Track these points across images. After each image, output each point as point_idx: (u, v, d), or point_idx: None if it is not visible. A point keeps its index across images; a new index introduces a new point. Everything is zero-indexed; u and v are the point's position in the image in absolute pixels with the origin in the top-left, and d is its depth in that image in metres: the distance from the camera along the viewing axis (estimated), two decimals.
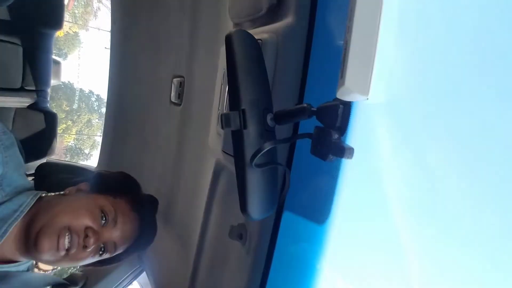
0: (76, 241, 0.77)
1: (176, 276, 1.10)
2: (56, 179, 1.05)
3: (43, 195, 0.87)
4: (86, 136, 16.09)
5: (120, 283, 1.30)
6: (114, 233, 0.84)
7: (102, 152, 1.80)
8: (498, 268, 0.52)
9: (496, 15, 0.45)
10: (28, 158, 0.97)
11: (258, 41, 0.63)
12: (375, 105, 0.50)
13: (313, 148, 0.47)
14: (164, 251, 1.19)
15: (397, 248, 0.57)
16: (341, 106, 0.44)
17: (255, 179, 0.50)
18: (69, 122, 15.08)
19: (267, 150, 0.48)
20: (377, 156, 0.54)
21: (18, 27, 1.85)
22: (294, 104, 0.65)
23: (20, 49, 1.87)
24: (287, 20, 0.64)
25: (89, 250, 0.79)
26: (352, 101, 0.44)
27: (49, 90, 2.04)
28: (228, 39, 0.51)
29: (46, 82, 1.99)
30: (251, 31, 0.55)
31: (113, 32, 1.62)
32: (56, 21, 1.97)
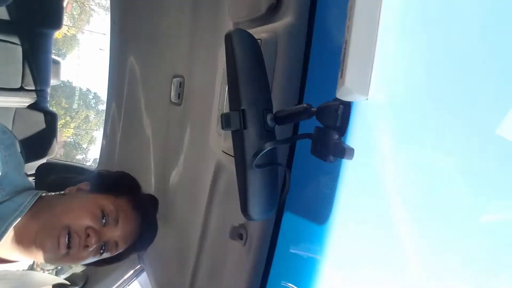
0: (77, 241, 0.77)
1: (176, 276, 1.10)
2: (56, 179, 1.05)
3: (43, 194, 0.87)
4: (84, 132, 17.22)
5: (120, 283, 1.31)
6: (115, 233, 0.84)
7: (102, 152, 1.80)
8: (499, 268, 0.52)
9: (497, 15, 0.45)
10: (28, 158, 0.97)
11: (258, 40, 0.63)
12: (375, 105, 0.50)
13: (313, 149, 0.47)
14: (165, 251, 1.19)
15: (397, 248, 0.57)
16: (341, 106, 0.44)
17: (255, 179, 0.50)
18: (68, 118, 16.05)
19: (268, 150, 0.48)
20: (377, 156, 0.54)
21: (18, 27, 1.85)
22: (294, 104, 0.64)
23: (20, 49, 1.87)
24: (287, 20, 0.64)
25: (90, 249, 0.79)
26: (352, 101, 0.44)
27: (49, 90, 2.04)
28: (228, 39, 0.51)
29: (46, 82, 1.99)
30: (250, 31, 0.55)
31: (113, 32, 1.61)
32: (55, 21, 1.97)
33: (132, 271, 1.31)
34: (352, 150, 0.41)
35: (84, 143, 17.43)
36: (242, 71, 0.50)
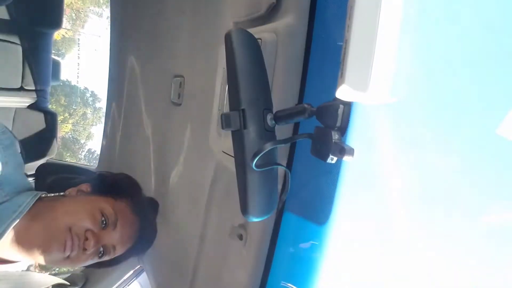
0: (77, 244, 0.77)
1: (176, 276, 1.10)
2: (56, 179, 1.05)
3: (43, 195, 0.86)
4: (82, 128, 18.90)
5: (120, 283, 1.30)
6: (114, 236, 0.84)
7: (102, 152, 1.80)
8: (499, 268, 0.52)
9: (498, 15, 0.45)
10: (28, 158, 0.97)
11: (258, 40, 0.63)
12: (376, 105, 0.50)
13: (313, 149, 0.47)
14: (164, 251, 1.19)
15: (397, 248, 0.57)
16: (341, 106, 0.44)
17: (255, 179, 0.50)
18: (66, 115, 17.62)
19: (268, 150, 0.48)
20: (378, 156, 0.53)
21: (18, 27, 1.85)
22: (294, 104, 0.64)
23: (20, 49, 1.87)
24: (287, 19, 0.64)
25: (88, 252, 0.79)
26: (352, 101, 0.44)
27: (49, 90, 2.04)
28: (228, 38, 0.51)
29: (46, 82, 1.99)
30: (250, 31, 0.55)
31: (113, 31, 1.61)
32: (55, 21, 1.97)
33: (132, 271, 1.31)
34: (352, 150, 0.41)
35: (82, 139, 18.99)
36: (242, 71, 0.50)
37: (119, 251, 0.87)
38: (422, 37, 0.47)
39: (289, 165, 0.67)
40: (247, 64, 0.51)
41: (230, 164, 0.79)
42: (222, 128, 0.50)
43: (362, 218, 0.58)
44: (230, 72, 0.51)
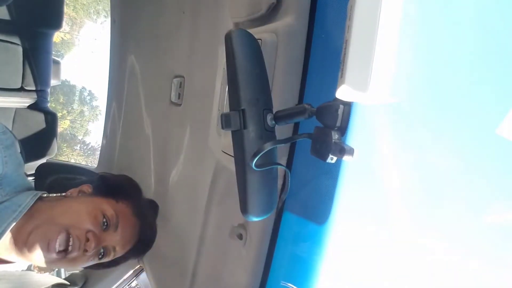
0: (77, 245, 0.77)
1: (176, 275, 1.10)
2: (56, 179, 1.05)
3: (44, 195, 0.86)
4: (80, 125, 20.38)
5: (120, 283, 1.30)
6: (115, 238, 0.84)
7: (102, 152, 1.80)
8: (499, 268, 0.52)
9: (498, 15, 0.45)
10: (28, 158, 0.97)
11: (258, 40, 0.63)
12: (376, 105, 0.50)
13: (313, 149, 0.47)
14: (164, 251, 1.19)
15: (397, 247, 0.57)
16: (341, 106, 0.44)
17: (255, 179, 0.50)
18: (65, 112, 19.09)
19: (267, 150, 0.48)
20: (377, 156, 0.54)
21: (18, 27, 1.85)
22: (294, 104, 0.64)
23: (20, 49, 1.87)
24: (287, 20, 0.64)
25: (89, 254, 0.79)
26: (352, 101, 0.44)
27: (49, 90, 2.04)
28: (228, 38, 0.51)
29: (46, 82, 1.99)
30: (251, 31, 0.55)
31: (113, 31, 1.61)
32: (55, 21, 1.97)
33: (131, 271, 1.31)
34: (352, 150, 0.41)
35: (80, 135, 20.42)
36: (242, 71, 0.50)
37: (119, 253, 0.87)
38: (422, 38, 0.47)
39: (289, 165, 0.67)
40: (247, 64, 0.51)
41: (230, 163, 0.79)
42: (222, 128, 0.50)
43: (361, 217, 0.58)
44: (230, 72, 0.51)
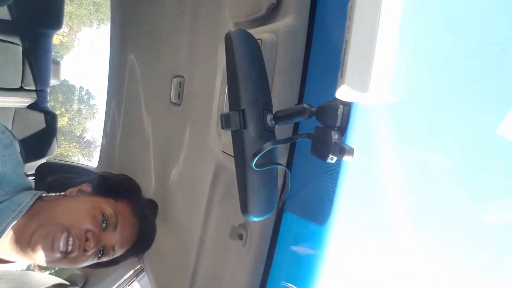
0: (77, 245, 0.77)
1: (176, 276, 1.10)
2: (56, 179, 1.05)
3: (44, 195, 0.86)
4: (77, 122, 22.08)
5: (120, 283, 1.30)
6: (114, 237, 0.84)
7: (102, 151, 1.80)
8: (499, 268, 0.52)
9: (498, 15, 0.45)
10: (28, 158, 0.97)
11: (258, 40, 0.63)
12: (375, 105, 0.50)
13: (313, 149, 0.47)
14: (165, 251, 1.19)
15: (397, 248, 0.57)
16: (341, 106, 0.44)
17: (255, 179, 0.50)
18: (63, 109, 20.64)
19: (267, 150, 0.48)
20: (377, 156, 0.54)
21: (18, 27, 1.85)
22: (294, 104, 0.64)
23: (20, 49, 1.87)
24: (287, 20, 0.64)
25: (88, 253, 0.79)
26: (352, 101, 0.44)
27: (48, 90, 2.04)
28: (228, 39, 0.51)
29: (45, 82, 1.99)
30: (250, 31, 0.55)
31: (113, 31, 1.61)
32: (55, 21, 1.97)
33: (132, 271, 1.31)
34: (352, 150, 0.41)
35: (78, 132, 22.10)
36: (242, 71, 0.50)
37: (118, 252, 0.87)
38: (422, 37, 0.47)
39: (289, 165, 0.67)
40: (247, 65, 0.51)
41: (230, 163, 0.79)
42: (222, 128, 0.50)
43: (362, 217, 0.58)
44: (230, 72, 0.51)
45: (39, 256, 0.76)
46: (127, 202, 0.90)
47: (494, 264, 0.52)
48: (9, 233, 0.77)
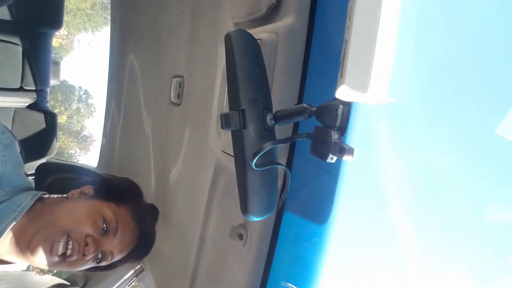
0: (77, 249, 0.77)
1: (176, 276, 1.10)
2: (56, 179, 1.05)
3: (45, 196, 0.86)
4: (76, 121, 23.51)
5: (120, 283, 1.30)
6: (113, 243, 0.84)
7: (101, 152, 1.80)
8: (499, 268, 0.52)
9: (498, 15, 0.45)
10: (28, 158, 0.97)
11: (258, 40, 0.63)
12: (375, 105, 0.50)
13: (313, 148, 0.47)
14: (165, 251, 1.19)
15: (397, 248, 0.57)
16: (341, 106, 0.44)
17: (255, 179, 0.50)
18: (62, 108, 21.88)
19: (267, 150, 0.48)
20: (377, 156, 0.54)
21: (18, 27, 1.85)
22: (294, 104, 0.64)
23: (20, 49, 1.87)
24: (287, 20, 0.64)
25: (87, 258, 0.79)
26: (352, 101, 0.44)
27: (48, 90, 2.04)
28: (228, 39, 0.51)
29: (45, 82, 1.99)
30: (250, 31, 0.55)
31: (113, 31, 1.61)
32: (55, 21, 1.97)
33: (132, 271, 1.31)
34: (352, 149, 0.41)
35: (76, 128, 23.21)
36: (242, 71, 0.50)
37: (117, 257, 0.87)
38: (421, 38, 0.47)
39: (289, 165, 0.67)
40: (247, 64, 0.51)
41: (230, 163, 0.79)
42: (222, 128, 0.50)
43: (362, 217, 0.58)
44: (230, 72, 0.51)
45: (38, 259, 0.76)
46: (128, 207, 0.89)
47: (494, 264, 0.52)
48: (9, 234, 0.77)
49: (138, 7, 1.47)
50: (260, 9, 0.68)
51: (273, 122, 0.51)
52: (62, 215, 0.80)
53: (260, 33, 0.66)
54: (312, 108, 0.47)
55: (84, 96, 24.27)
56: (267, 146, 0.48)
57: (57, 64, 2.09)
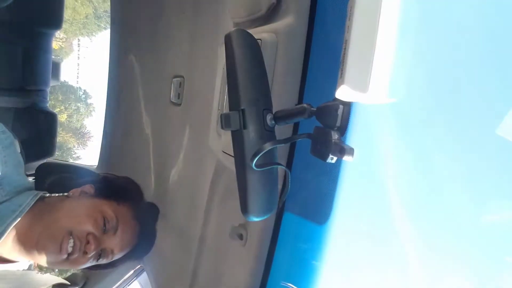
0: (78, 247, 0.77)
1: (176, 276, 1.10)
2: (56, 179, 1.05)
3: (46, 195, 0.87)
4: (75, 120, 24.21)
5: (120, 283, 1.31)
6: (114, 241, 0.84)
7: (102, 152, 1.80)
8: (499, 269, 0.52)
9: (498, 15, 0.45)
10: (28, 158, 0.97)
11: (258, 40, 0.63)
12: (375, 105, 0.50)
13: (313, 148, 0.47)
14: (165, 251, 1.19)
15: (397, 248, 0.57)
16: (341, 106, 0.44)
17: (255, 179, 0.50)
18: (62, 107, 22.55)
19: (267, 150, 0.48)
20: (377, 156, 0.54)
21: (18, 27, 1.85)
22: (294, 104, 0.64)
23: (20, 49, 1.87)
24: (287, 20, 0.64)
25: (89, 256, 0.80)
26: (351, 101, 0.44)
27: (48, 90, 2.04)
28: (228, 39, 0.51)
29: (45, 82, 1.99)
30: (250, 31, 0.55)
31: (113, 31, 1.61)
32: (55, 21, 1.97)
33: (132, 271, 1.31)
34: (352, 150, 0.41)
35: (75, 125, 23.96)
36: (242, 71, 0.50)
37: (117, 255, 0.88)
38: (421, 38, 0.47)
39: (289, 165, 0.67)
40: (247, 65, 0.51)
41: (230, 164, 0.79)
42: (222, 128, 0.50)
43: (362, 217, 0.58)
44: (230, 72, 0.51)
45: (44, 257, 0.77)
46: (128, 205, 0.90)
47: (494, 263, 0.52)
48: (10, 233, 0.77)
49: (138, 7, 1.47)
50: (260, 9, 0.68)
51: (273, 122, 0.51)
52: (63, 214, 0.80)
53: (260, 33, 0.66)
54: (312, 108, 0.47)
55: (84, 96, 25.02)
56: (267, 146, 0.48)
57: (57, 64, 2.10)
